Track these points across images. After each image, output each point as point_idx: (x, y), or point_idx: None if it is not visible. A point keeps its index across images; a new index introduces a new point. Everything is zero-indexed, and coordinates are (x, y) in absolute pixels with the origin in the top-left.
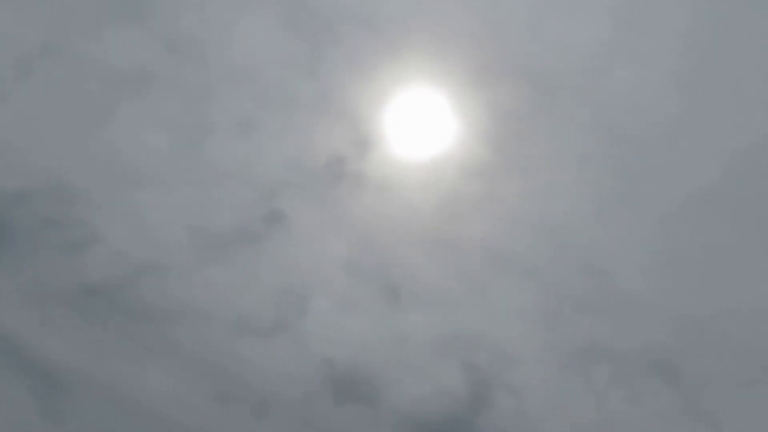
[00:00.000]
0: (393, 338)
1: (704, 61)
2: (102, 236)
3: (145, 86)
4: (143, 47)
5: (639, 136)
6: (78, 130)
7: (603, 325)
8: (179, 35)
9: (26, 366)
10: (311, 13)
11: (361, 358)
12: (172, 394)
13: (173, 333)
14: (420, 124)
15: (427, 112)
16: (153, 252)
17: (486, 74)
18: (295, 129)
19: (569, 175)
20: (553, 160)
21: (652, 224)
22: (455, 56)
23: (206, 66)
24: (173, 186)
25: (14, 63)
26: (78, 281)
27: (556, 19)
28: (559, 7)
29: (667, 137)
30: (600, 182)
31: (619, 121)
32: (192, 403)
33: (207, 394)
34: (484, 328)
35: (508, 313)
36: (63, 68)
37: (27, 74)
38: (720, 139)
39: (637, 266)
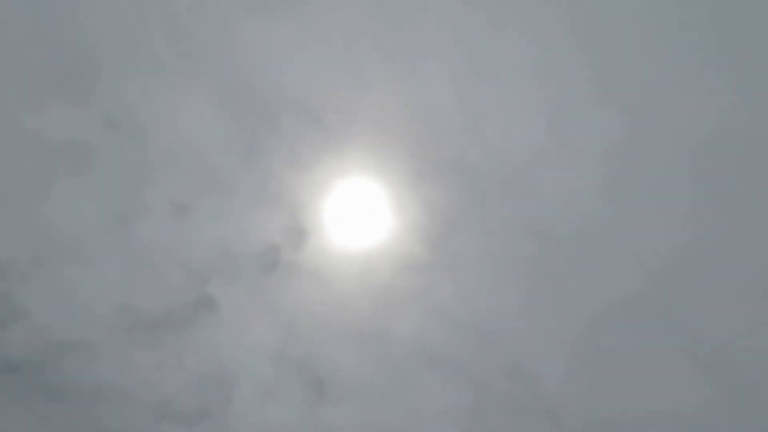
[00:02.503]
0: None
1: (630, 171)
2: (27, 311)
3: (81, 162)
4: (81, 123)
5: (567, 239)
6: (10, 202)
7: (526, 428)
8: (119, 113)
9: None
10: (253, 100)
11: None
12: None
13: (94, 414)
14: (356, 216)
15: (364, 205)
16: (78, 330)
17: (423, 171)
18: (231, 215)
19: (499, 275)
20: (484, 259)
21: (576, 327)
22: (395, 151)
23: (144, 145)
24: (103, 264)
25: None
26: None
27: (493, 121)
28: (496, 110)
29: (593, 242)
30: (528, 283)
31: (549, 223)
32: None
33: None
34: (408, 426)
35: (433, 411)
36: None
37: None
38: (644, 246)
39: (561, 369)
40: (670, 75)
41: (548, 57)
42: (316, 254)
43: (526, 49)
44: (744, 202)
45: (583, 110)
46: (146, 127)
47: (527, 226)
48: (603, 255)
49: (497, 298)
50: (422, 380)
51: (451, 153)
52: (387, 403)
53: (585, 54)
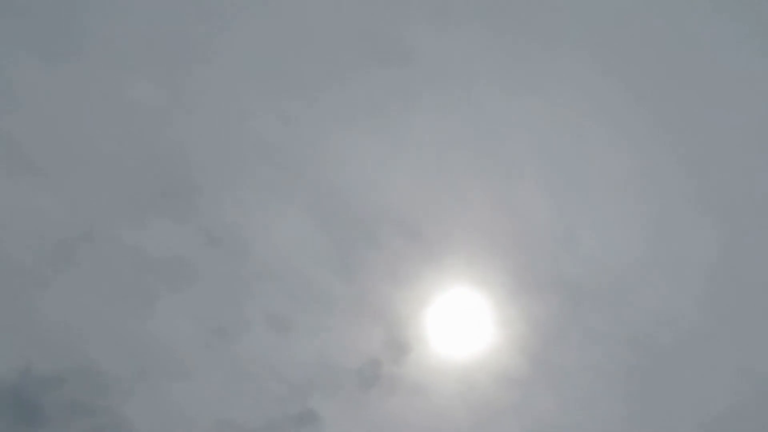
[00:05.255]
0: None
1: (729, 282)
2: (130, 425)
3: (184, 278)
4: (184, 239)
5: (666, 351)
6: (115, 318)
7: None
8: (220, 230)
9: None
10: (351, 214)
11: None
12: None
13: None
14: (456, 329)
15: (464, 318)
16: None
17: (522, 283)
18: (330, 329)
19: (599, 387)
20: (584, 372)
21: None
22: (493, 264)
23: (244, 261)
24: (205, 378)
25: (55, 247)
26: None
27: (591, 233)
28: (593, 222)
29: (693, 353)
30: (629, 395)
31: (648, 335)
32: None
33: None
34: None
35: None
36: (103, 255)
37: (67, 259)
38: (744, 357)
39: None
40: None
41: (643, 169)
42: (416, 367)
43: (621, 161)
44: None
45: (679, 221)
46: (246, 243)
47: (626, 338)
48: (703, 366)
49: (598, 410)
50: None
51: (549, 265)
52: None
53: (681, 165)
